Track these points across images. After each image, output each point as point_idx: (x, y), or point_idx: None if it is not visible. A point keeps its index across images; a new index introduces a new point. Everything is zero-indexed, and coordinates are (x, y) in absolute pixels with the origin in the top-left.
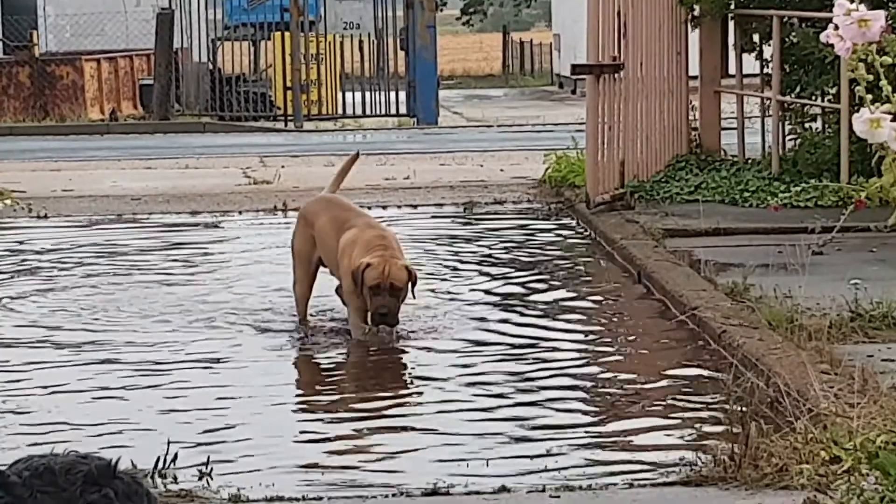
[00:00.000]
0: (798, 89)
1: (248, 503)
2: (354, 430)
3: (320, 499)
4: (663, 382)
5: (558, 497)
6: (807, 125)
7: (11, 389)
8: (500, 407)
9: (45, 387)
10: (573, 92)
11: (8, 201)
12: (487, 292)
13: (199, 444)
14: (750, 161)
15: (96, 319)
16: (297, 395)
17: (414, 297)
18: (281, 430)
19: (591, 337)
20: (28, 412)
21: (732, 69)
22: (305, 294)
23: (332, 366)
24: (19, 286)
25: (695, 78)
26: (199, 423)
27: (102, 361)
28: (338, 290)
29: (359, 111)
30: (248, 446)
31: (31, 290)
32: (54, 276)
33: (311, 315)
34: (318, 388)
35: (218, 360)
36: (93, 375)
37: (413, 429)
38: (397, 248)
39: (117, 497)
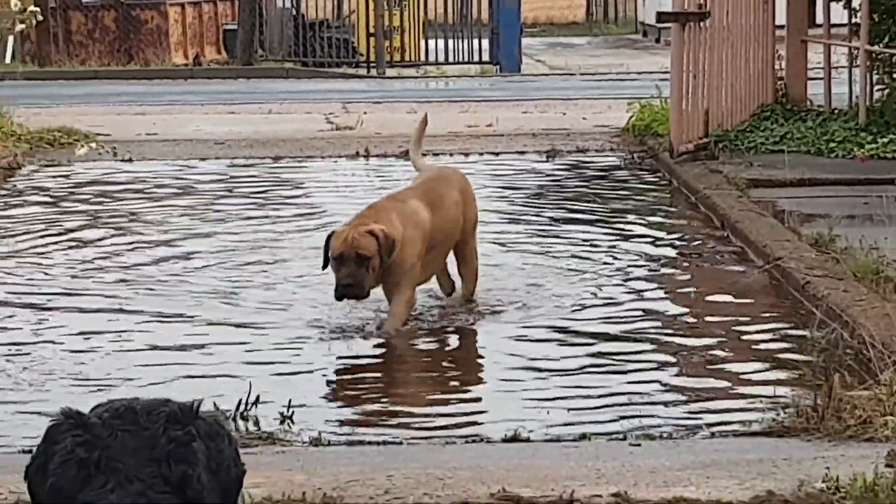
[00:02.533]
0: (887, 39)
1: (329, 447)
2: (435, 378)
3: (400, 443)
4: (746, 333)
5: (638, 445)
6: (895, 75)
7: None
8: (580, 356)
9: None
10: (657, 40)
11: (93, 144)
12: (570, 240)
13: (281, 389)
14: (836, 111)
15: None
16: (377, 344)
17: (384, 262)
18: (361, 377)
19: (673, 286)
20: (111, 360)
21: (820, 18)
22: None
23: (415, 320)
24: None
25: (781, 27)
26: (281, 367)
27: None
28: None
29: (441, 58)
30: (328, 393)
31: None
32: (137, 221)
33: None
34: (400, 338)
35: (309, 316)
36: (180, 325)
37: (494, 378)
38: (381, 215)
39: (199, 436)
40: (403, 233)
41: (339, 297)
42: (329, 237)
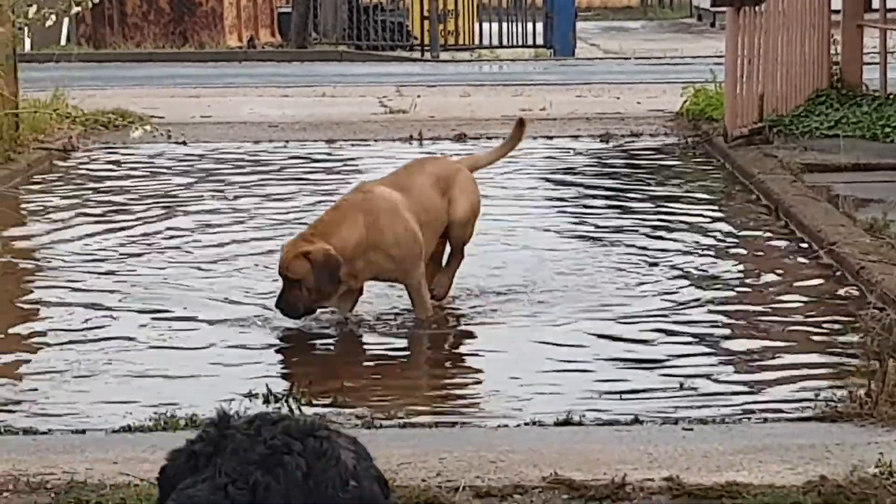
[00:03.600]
0: None
1: (381, 429)
2: (487, 362)
3: (452, 426)
4: (799, 317)
5: (691, 430)
6: None
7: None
8: (633, 340)
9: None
10: (712, 25)
11: (148, 127)
12: (622, 225)
13: (332, 373)
14: (892, 96)
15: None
16: (423, 332)
17: (322, 283)
18: (410, 362)
19: (726, 271)
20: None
21: (876, 3)
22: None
23: (466, 297)
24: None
25: (837, 12)
26: (330, 351)
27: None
28: None
29: (495, 42)
30: (378, 377)
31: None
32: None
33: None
34: (448, 324)
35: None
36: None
37: (546, 362)
38: (340, 224)
39: (301, 452)
40: (383, 223)
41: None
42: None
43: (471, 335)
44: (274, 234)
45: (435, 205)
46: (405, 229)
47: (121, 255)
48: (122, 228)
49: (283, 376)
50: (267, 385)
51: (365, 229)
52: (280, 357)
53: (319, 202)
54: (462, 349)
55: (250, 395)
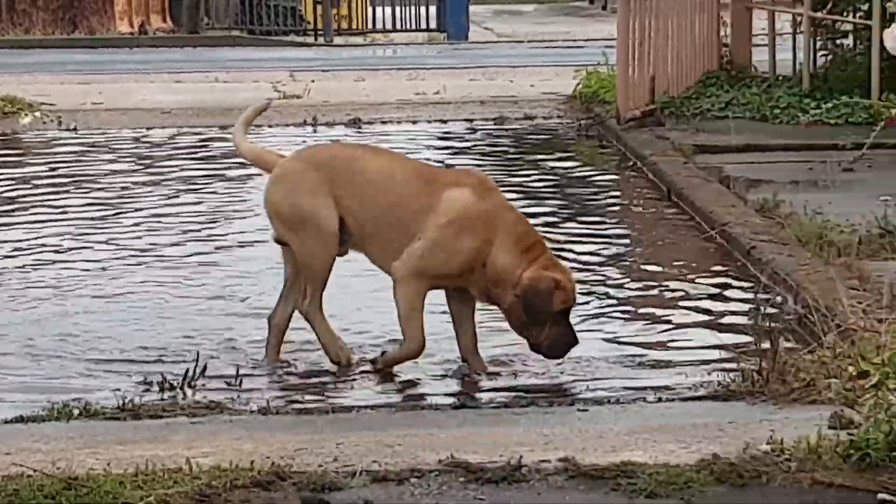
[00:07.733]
0: (830, 5)
1: (277, 415)
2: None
3: (349, 411)
4: (691, 299)
5: (586, 411)
6: (838, 42)
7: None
8: None
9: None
10: (604, 8)
11: (37, 114)
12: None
13: (228, 360)
14: (781, 78)
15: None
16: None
17: None
18: (306, 348)
19: (619, 254)
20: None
21: None
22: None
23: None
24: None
25: None
26: (228, 334)
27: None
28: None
29: (389, 26)
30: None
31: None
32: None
33: None
34: (340, 310)
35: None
36: (128, 287)
37: (440, 344)
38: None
39: None
40: None
41: (563, 354)
42: (549, 288)
43: (362, 321)
44: (189, 223)
45: None
46: None
47: (15, 248)
48: (12, 212)
49: (182, 364)
50: (162, 374)
51: None
52: (182, 344)
53: (220, 188)
54: (357, 334)
55: (145, 383)
